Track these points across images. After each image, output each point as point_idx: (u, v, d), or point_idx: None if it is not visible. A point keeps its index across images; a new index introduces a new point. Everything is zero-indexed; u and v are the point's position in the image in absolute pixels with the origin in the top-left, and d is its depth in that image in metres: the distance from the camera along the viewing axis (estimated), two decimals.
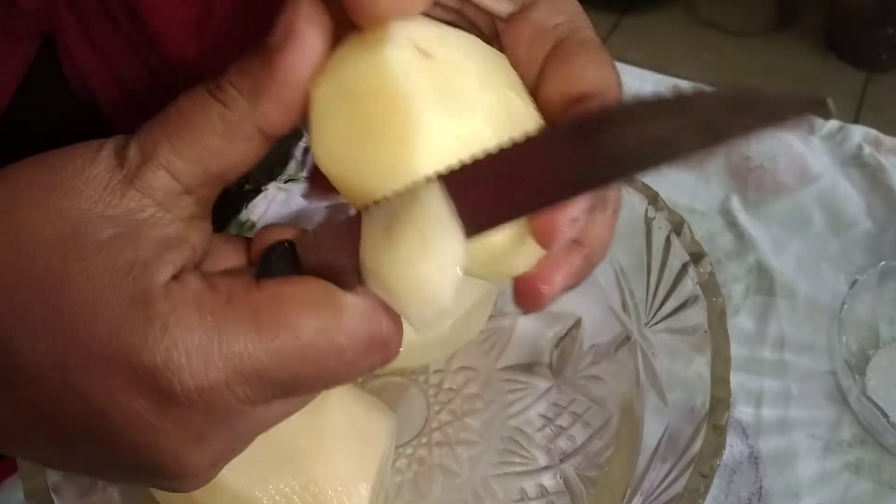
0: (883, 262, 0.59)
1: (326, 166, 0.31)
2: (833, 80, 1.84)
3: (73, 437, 0.29)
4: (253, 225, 0.54)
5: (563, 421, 0.52)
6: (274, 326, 0.27)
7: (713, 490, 0.51)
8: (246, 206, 0.54)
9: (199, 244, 0.30)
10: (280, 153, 0.54)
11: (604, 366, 0.53)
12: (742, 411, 0.56)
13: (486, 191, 0.27)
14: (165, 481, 0.30)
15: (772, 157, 0.69)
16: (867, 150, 0.69)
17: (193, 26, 0.49)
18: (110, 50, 0.53)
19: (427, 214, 0.27)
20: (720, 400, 0.42)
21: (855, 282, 0.58)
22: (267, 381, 0.28)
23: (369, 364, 0.30)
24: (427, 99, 0.29)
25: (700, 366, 0.44)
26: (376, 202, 0.29)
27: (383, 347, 0.30)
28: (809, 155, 0.69)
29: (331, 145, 0.30)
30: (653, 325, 0.49)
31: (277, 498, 0.41)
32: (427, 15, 0.31)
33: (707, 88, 0.24)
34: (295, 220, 0.55)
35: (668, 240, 0.47)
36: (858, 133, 0.70)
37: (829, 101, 0.22)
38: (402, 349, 0.50)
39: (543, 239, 0.30)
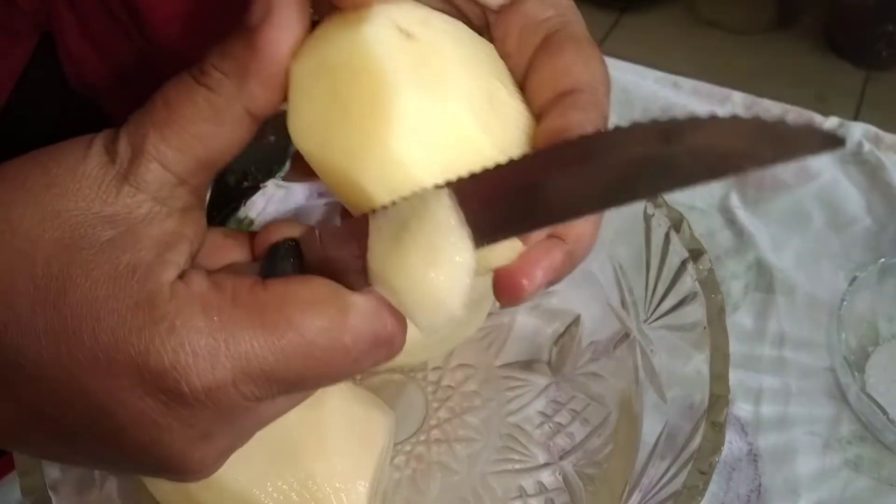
0: (882, 259, 0.59)
1: (302, 145, 0.30)
2: (833, 78, 1.84)
3: (77, 436, 0.29)
4: (251, 222, 0.54)
5: (561, 418, 0.52)
6: (280, 326, 0.27)
7: (712, 487, 0.51)
8: (244, 204, 0.54)
9: (196, 236, 0.30)
10: (278, 151, 0.54)
11: (603, 363, 0.53)
12: (741, 408, 0.56)
13: (497, 203, 0.27)
14: (170, 474, 0.30)
15: None
16: (867, 147, 0.69)
17: (190, 20, 0.49)
18: (109, 46, 0.53)
19: (436, 222, 0.27)
20: (719, 397, 0.41)
21: (854, 279, 0.58)
22: (273, 380, 0.28)
23: (373, 361, 0.30)
24: (405, 79, 0.29)
25: (699, 362, 0.44)
26: (384, 207, 0.29)
27: (388, 345, 0.30)
28: None
29: (307, 123, 0.30)
30: (652, 321, 0.49)
31: (276, 495, 0.41)
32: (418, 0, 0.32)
33: (723, 116, 0.24)
34: (294, 217, 0.55)
35: (667, 237, 0.47)
36: (858, 130, 0.70)
37: (844, 139, 0.22)
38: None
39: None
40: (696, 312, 0.45)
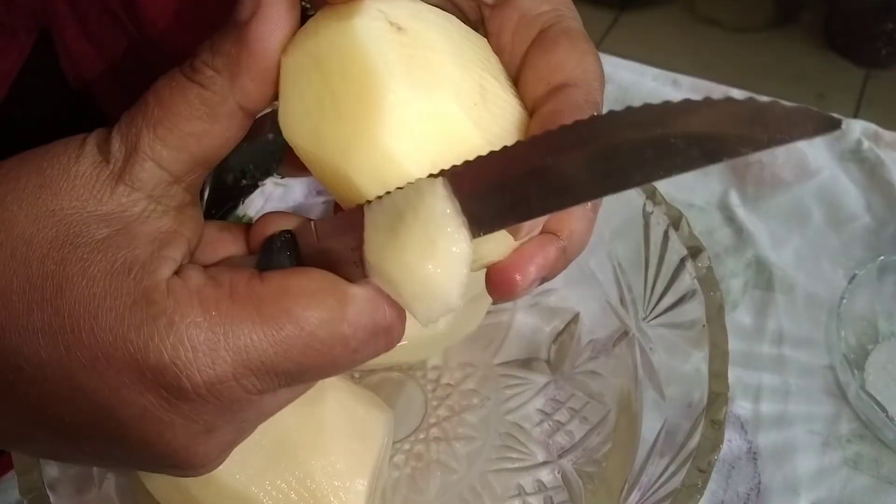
0: (882, 257, 0.59)
1: (293, 139, 0.30)
2: (832, 76, 1.84)
3: (80, 433, 0.29)
4: (250, 220, 0.54)
5: (560, 416, 0.52)
6: (278, 318, 0.27)
7: (711, 485, 0.51)
8: (243, 202, 0.54)
9: (193, 233, 0.30)
10: (277, 149, 0.54)
11: (602, 361, 0.53)
12: (740, 406, 0.56)
13: (491, 191, 0.27)
14: (173, 470, 0.30)
15: (770, 152, 0.69)
16: (866, 144, 0.69)
17: (184, 13, 0.49)
18: (106, 42, 0.53)
19: (432, 213, 0.27)
20: (718, 395, 0.41)
21: (854, 277, 0.58)
22: (273, 372, 0.28)
23: (373, 351, 0.30)
24: (395, 73, 0.28)
25: (698, 360, 0.44)
26: (379, 198, 0.28)
27: (387, 334, 0.30)
28: (808, 150, 0.69)
29: (297, 118, 0.30)
30: (651, 319, 0.49)
31: (274, 493, 0.41)
32: None
33: (716, 98, 0.23)
34: None
35: (666, 234, 0.47)
36: (857, 128, 0.70)
37: (841, 121, 0.22)
38: (400, 343, 0.50)
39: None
40: (695, 310, 0.45)
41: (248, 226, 0.33)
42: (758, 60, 1.86)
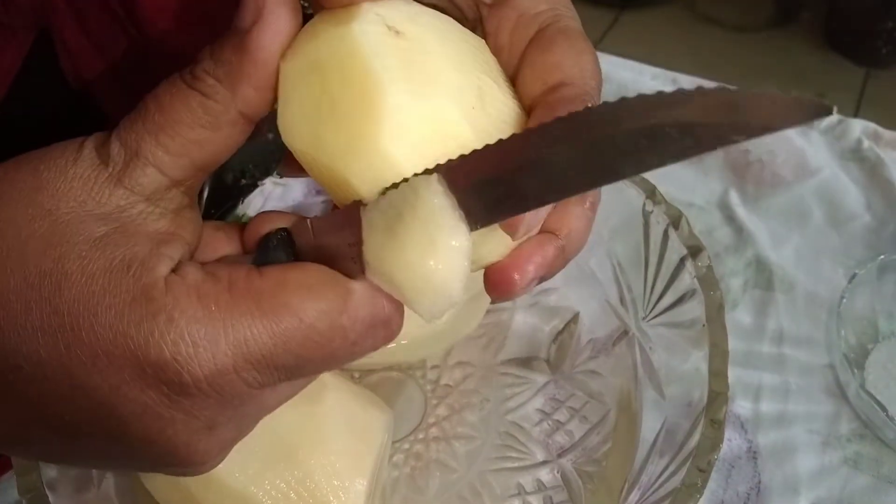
0: (882, 256, 0.59)
1: (292, 142, 0.30)
2: (832, 75, 1.84)
3: (80, 433, 0.29)
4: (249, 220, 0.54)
5: (560, 416, 0.52)
6: (277, 311, 0.27)
7: (711, 484, 0.51)
8: (242, 202, 0.54)
9: (191, 234, 0.30)
10: (276, 148, 0.54)
11: (601, 360, 0.53)
12: (740, 406, 0.56)
13: (486, 184, 0.27)
14: (174, 468, 0.30)
15: (770, 151, 0.69)
16: (866, 143, 0.69)
17: (183, 12, 0.49)
18: (106, 41, 0.53)
19: (429, 209, 0.27)
20: (718, 394, 0.41)
21: (854, 276, 0.58)
22: (274, 365, 0.28)
23: (372, 343, 0.30)
24: (393, 77, 0.28)
25: (698, 360, 0.44)
26: (375, 200, 0.28)
27: (385, 326, 0.30)
28: (808, 149, 0.69)
29: (296, 121, 0.30)
30: (650, 319, 0.48)
31: (274, 493, 0.41)
32: None
33: (709, 87, 0.23)
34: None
35: (665, 233, 0.47)
36: (858, 127, 0.70)
37: (833, 108, 0.22)
38: (398, 344, 0.50)
39: (508, 224, 0.29)
40: (694, 309, 0.45)
41: (243, 225, 0.33)
42: (758, 60, 1.86)
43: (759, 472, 0.53)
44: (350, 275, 0.29)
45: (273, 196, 0.55)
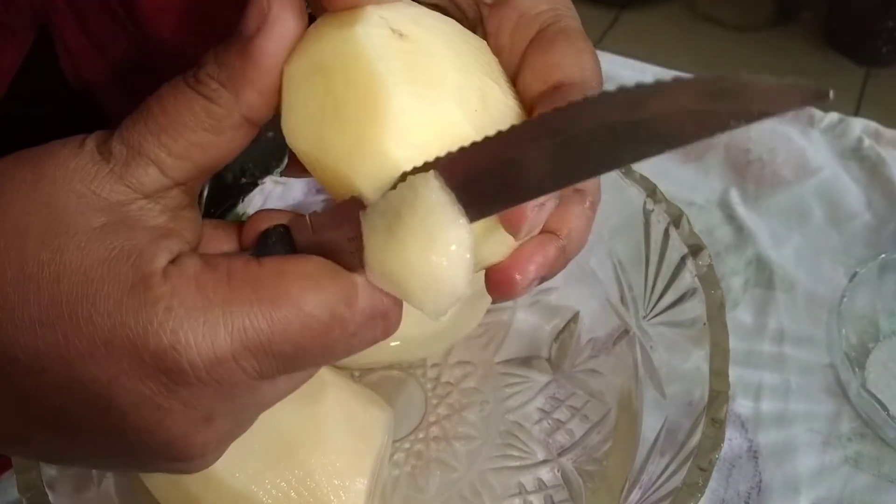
0: (883, 255, 0.59)
1: (296, 144, 0.30)
2: (833, 74, 1.84)
3: (77, 427, 0.29)
4: None
5: (561, 415, 0.52)
6: (276, 298, 0.27)
7: (712, 484, 0.51)
8: (242, 200, 0.54)
9: (191, 233, 0.30)
10: (276, 147, 0.54)
11: (602, 359, 0.53)
12: (741, 405, 0.56)
13: (478, 177, 0.27)
14: (172, 463, 0.30)
15: (771, 150, 0.69)
16: (867, 142, 0.69)
17: (184, 12, 0.49)
18: (106, 39, 0.53)
19: (428, 205, 0.27)
20: (719, 393, 0.41)
21: (854, 275, 0.58)
22: (272, 354, 0.28)
23: (371, 336, 0.30)
24: (397, 79, 0.28)
25: (699, 359, 0.43)
26: (374, 203, 0.28)
27: (384, 318, 0.30)
28: (809, 148, 0.69)
29: (301, 124, 0.30)
30: (651, 318, 0.48)
31: (274, 492, 0.41)
32: None
33: (708, 75, 0.23)
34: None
35: (666, 232, 0.47)
36: (858, 126, 0.70)
37: (829, 92, 0.22)
38: (399, 342, 0.50)
39: (510, 224, 0.29)
40: (695, 308, 0.45)
41: (242, 224, 0.33)
42: (758, 59, 1.86)
43: (759, 472, 0.53)
44: (350, 268, 0.29)
45: (273, 195, 0.55)
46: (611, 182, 0.46)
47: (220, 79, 0.29)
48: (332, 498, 0.41)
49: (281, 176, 0.53)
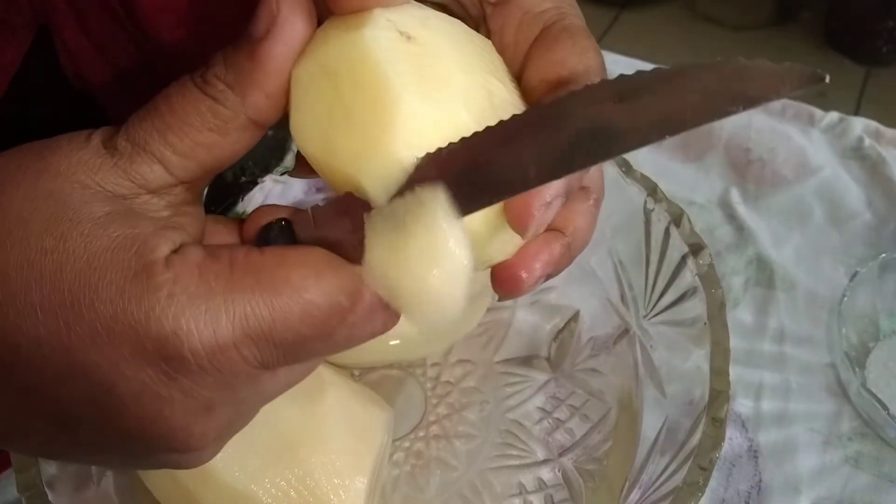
0: (883, 255, 0.59)
1: (305, 148, 0.31)
2: (833, 74, 1.83)
3: (77, 419, 0.29)
4: None
5: (561, 414, 0.52)
6: (277, 285, 0.27)
7: (712, 483, 0.51)
8: (242, 199, 0.54)
9: (194, 228, 0.30)
10: (276, 146, 0.54)
11: (602, 358, 0.53)
12: (741, 404, 0.56)
13: (472, 172, 0.27)
14: (171, 454, 0.30)
15: (771, 150, 0.69)
16: (867, 142, 0.69)
17: (185, 13, 0.49)
18: (106, 39, 0.53)
19: (434, 225, 0.27)
20: (719, 392, 0.41)
21: (855, 274, 0.58)
22: (273, 342, 0.28)
23: (370, 329, 0.30)
24: (406, 82, 0.29)
25: (699, 358, 0.43)
26: (380, 207, 0.28)
27: (385, 311, 0.30)
28: (809, 147, 0.69)
29: (309, 127, 0.30)
30: (651, 317, 0.48)
31: (274, 491, 0.41)
32: None
33: (705, 62, 0.24)
34: None
35: (667, 231, 0.46)
36: (859, 125, 0.70)
37: (825, 75, 0.22)
38: (399, 342, 0.50)
39: (518, 223, 0.30)
40: (696, 307, 0.44)
41: (243, 220, 0.33)
42: (758, 58, 1.86)
43: (759, 471, 0.53)
44: (352, 261, 0.29)
45: (273, 193, 0.55)
46: (611, 181, 0.46)
47: (227, 80, 0.29)
48: (331, 497, 0.41)
49: (290, 176, 0.53)
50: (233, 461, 0.40)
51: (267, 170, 0.54)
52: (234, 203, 0.53)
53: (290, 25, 0.29)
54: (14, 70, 0.53)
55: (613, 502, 0.46)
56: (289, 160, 0.54)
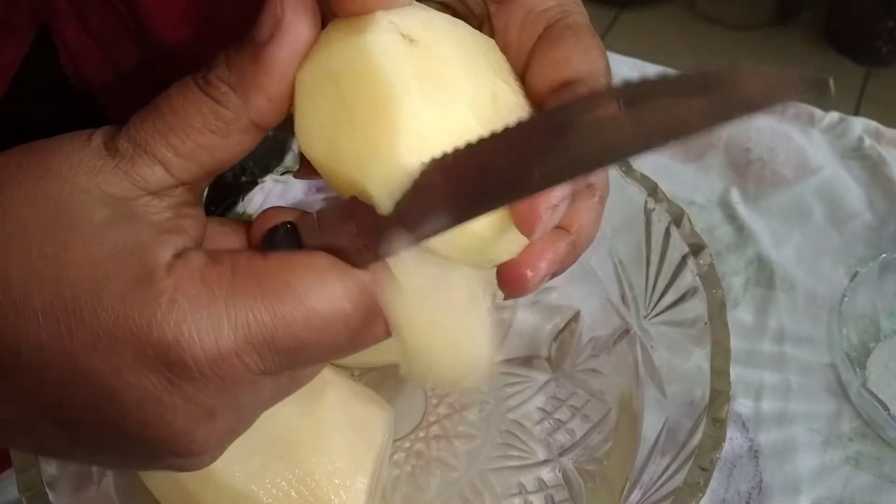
0: (883, 255, 0.59)
1: (309, 151, 0.31)
2: (833, 74, 1.82)
3: (79, 421, 0.29)
4: (250, 218, 0.54)
5: (561, 414, 0.52)
6: (279, 291, 0.27)
7: (712, 484, 0.51)
8: (243, 199, 0.54)
9: (195, 230, 0.30)
10: (276, 145, 0.54)
11: (603, 359, 0.52)
12: (742, 404, 0.56)
13: (477, 178, 0.27)
14: (173, 458, 0.30)
15: (771, 150, 0.69)
16: (868, 142, 0.69)
17: (187, 12, 0.49)
18: (107, 38, 0.53)
19: (463, 303, 0.28)
20: (720, 392, 0.41)
21: (855, 274, 0.58)
22: (275, 348, 0.28)
23: (373, 334, 0.30)
24: (409, 86, 0.29)
25: (699, 358, 0.43)
26: (405, 271, 0.29)
27: (386, 317, 0.30)
28: (809, 147, 0.69)
29: (313, 131, 0.30)
30: (652, 317, 0.48)
31: (274, 492, 0.41)
32: None
33: (702, 68, 0.24)
34: None
35: (667, 231, 0.46)
36: (859, 125, 0.70)
37: (829, 80, 0.22)
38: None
39: (525, 226, 0.30)
40: (696, 307, 0.44)
41: (248, 223, 0.33)
42: (758, 58, 1.85)
43: (760, 471, 0.53)
44: (355, 265, 0.29)
45: (273, 193, 0.55)
46: (612, 181, 0.46)
47: (230, 82, 0.29)
48: (332, 497, 0.41)
49: (294, 178, 0.53)
50: (233, 461, 0.40)
51: (267, 170, 0.53)
52: (235, 203, 0.53)
53: (295, 29, 0.29)
54: (14, 70, 0.53)
55: (614, 503, 0.46)
56: (289, 160, 0.54)
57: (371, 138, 0.29)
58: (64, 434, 0.30)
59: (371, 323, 0.29)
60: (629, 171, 0.47)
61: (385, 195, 0.28)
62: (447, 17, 0.32)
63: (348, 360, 0.52)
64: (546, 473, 0.49)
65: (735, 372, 0.43)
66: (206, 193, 0.47)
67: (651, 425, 0.46)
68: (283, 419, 0.41)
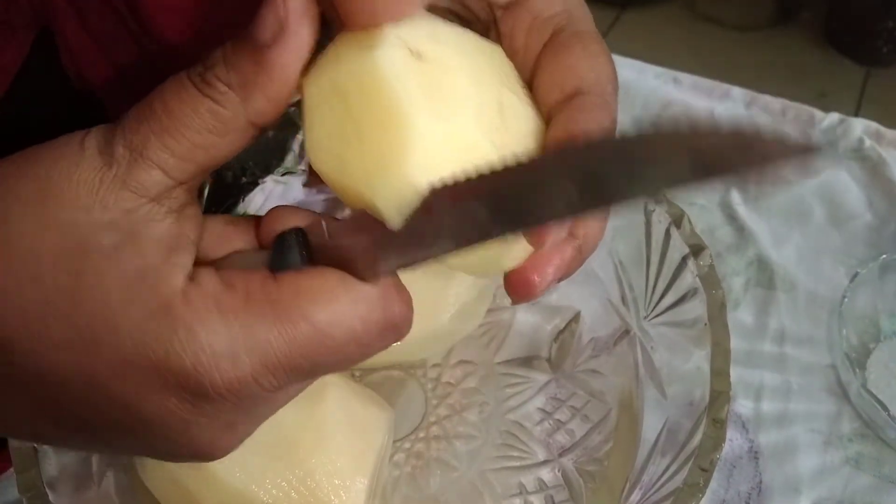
0: (884, 256, 0.59)
1: (318, 166, 0.31)
2: (833, 74, 1.84)
3: (105, 432, 0.30)
4: None
5: (561, 415, 0.52)
6: (294, 319, 0.28)
7: (712, 484, 0.51)
8: (243, 199, 0.54)
9: (194, 230, 0.31)
10: (277, 146, 0.54)
11: (603, 359, 0.53)
12: (742, 405, 0.56)
13: (487, 205, 0.27)
14: (196, 459, 0.31)
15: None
16: (868, 143, 0.69)
17: (189, 12, 0.49)
18: (108, 38, 0.53)
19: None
20: (720, 393, 0.41)
21: (856, 275, 0.58)
22: (290, 370, 0.28)
23: (382, 345, 0.31)
24: (417, 103, 0.29)
25: (700, 359, 0.43)
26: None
27: (396, 329, 0.31)
28: None
29: (322, 145, 0.30)
30: (652, 318, 0.48)
31: (274, 492, 0.41)
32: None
33: (700, 124, 0.24)
34: None
35: (667, 232, 0.46)
36: (859, 126, 0.70)
37: (822, 147, 0.23)
38: (400, 343, 0.50)
39: (535, 240, 0.31)
40: (696, 308, 0.44)
41: (255, 220, 0.33)
42: (758, 58, 1.86)
43: (760, 472, 0.53)
44: (364, 278, 0.29)
45: (274, 194, 0.55)
46: None
47: (228, 81, 0.29)
48: (332, 497, 0.41)
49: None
50: (233, 461, 0.40)
51: (267, 170, 0.53)
52: (235, 203, 0.53)
53: (299, 33, 0.29)
54: (15, 70, 0.53)
55: (614, 503, 0.46)
56: (289, 161, 0.54)
57: (380, 155, 0.29)
58: (91, 439, 0.31)
59: (381, 336, 0.30)
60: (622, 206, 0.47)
61: (394, 211, 0.29)
62: (453, 26, 0.32)
63: None
64: (546, 474, 0.49)
65: (735, 373, 0.43)
66: (206, 194, 0.47)
67: (651, 426, 0.46)
68: (283, 419, 0.41)
